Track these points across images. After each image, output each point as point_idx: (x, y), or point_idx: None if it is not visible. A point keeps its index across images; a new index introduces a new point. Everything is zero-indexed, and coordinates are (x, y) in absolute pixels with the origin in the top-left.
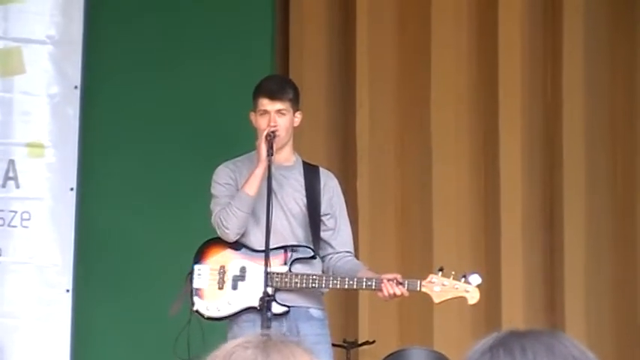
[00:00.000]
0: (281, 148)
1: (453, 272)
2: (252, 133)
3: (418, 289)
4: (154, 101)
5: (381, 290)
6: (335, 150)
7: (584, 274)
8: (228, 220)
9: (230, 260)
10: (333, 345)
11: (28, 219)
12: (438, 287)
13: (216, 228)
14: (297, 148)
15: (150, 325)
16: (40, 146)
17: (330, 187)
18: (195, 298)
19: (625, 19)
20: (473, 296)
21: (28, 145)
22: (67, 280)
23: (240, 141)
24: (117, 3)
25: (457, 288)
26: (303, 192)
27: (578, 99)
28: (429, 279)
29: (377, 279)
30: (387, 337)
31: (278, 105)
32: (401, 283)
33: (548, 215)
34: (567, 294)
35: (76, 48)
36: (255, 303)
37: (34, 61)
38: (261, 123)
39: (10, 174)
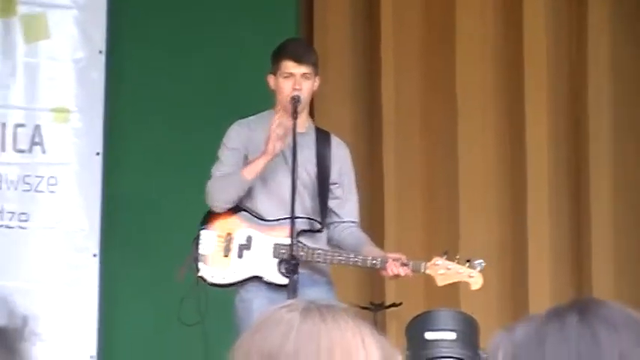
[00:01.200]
0: (300, 113)
1: (458, 256)
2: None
3: (422, 270)
4: (180, 66)
5: (385, 270)
6: (361, 122)
7: (613, 244)
8: (219, 195)
9: (237, 228)
10: (361, 307)
11: (55, 184)
12: (442, 270)
13: (206, 194)
14: (323, 119)
15: (175, 288)
16: (66, 111)
17: (339, 156)
18: (201, 264)
19: None
20: (476, 282)
21: (54, 110)
22: (94, 244)
23: (264, 108)
24: None
25: (461, 273)
26: (314, 161)
27: (604, 73)
28: (433, 261)
29: (382, 258)
30: (413, 299)
31: (303, 68)
32: (406, 264)
33: (575, 188)
34: (594, 263)
35: (100, 13)
36: (259, 272)
37: (58, 25)
38: (285, 86)
39: (36, 139)
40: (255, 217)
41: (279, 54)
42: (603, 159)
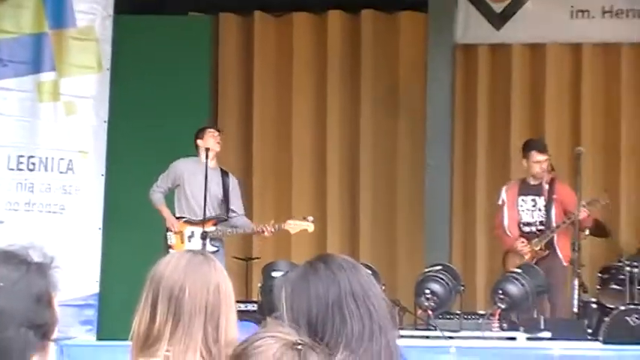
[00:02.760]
0: (214, 157)
1: (302, 217)
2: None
3: (283, 227)
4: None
5: (262, 232)
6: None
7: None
8: (151, 200)
9: (184, 228)
10: (239, 258)
11: (79, 190)
12: (292, 225)
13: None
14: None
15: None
16: (85, 152)
17: (234, 184)
18: (170, 250)
19: None
20: (310, 227)
21: (79, 151)
22: (99, 221)
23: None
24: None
25: (302, 224)
26: (222, 184)
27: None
28: (287, 222)
29: (262, 226)
30: (267, 254)
31: (217, 134)
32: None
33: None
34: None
35: (104, 101)
36: (198, 247)
37: (82, 108)
38: (212, 142)
39: (70, 166)
40: (193, 221)
41: (202, 129)
42: None
